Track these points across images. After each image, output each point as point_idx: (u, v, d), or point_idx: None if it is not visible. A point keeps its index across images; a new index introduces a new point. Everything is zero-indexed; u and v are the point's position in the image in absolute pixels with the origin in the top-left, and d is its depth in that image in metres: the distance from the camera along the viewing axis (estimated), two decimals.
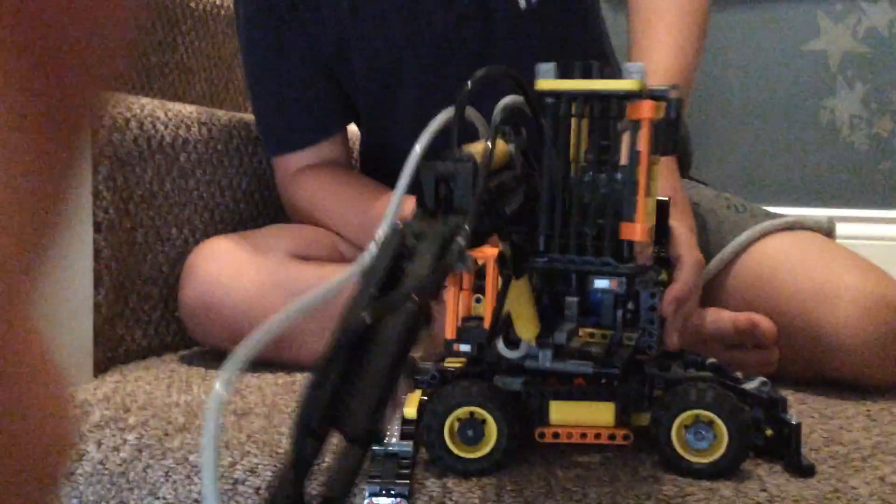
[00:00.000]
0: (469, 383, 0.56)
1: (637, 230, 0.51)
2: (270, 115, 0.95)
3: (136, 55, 1.09)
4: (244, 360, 0.29)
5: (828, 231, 0.87)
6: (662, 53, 0.80)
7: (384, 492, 0.49)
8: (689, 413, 0.54)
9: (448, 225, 0.34)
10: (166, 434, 0.61)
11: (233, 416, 0.65)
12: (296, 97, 0.92)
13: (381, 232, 0.34)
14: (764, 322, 0.77)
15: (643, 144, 0.51)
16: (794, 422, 0.57)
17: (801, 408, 0.72)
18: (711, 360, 0.60)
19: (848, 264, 0.78)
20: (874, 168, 1.77)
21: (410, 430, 0.54)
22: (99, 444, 0.61)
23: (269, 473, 0.57)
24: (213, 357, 0.83)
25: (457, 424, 0.55)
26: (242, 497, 0.55)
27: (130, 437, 0.61)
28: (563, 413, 0.57)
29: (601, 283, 0.56)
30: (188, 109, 0.93)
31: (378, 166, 0.97)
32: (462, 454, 0.55)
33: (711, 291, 0.82)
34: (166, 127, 0.88)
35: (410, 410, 0.55)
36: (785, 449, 0.57)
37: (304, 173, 0.93)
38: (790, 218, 0.87)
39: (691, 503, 0.53)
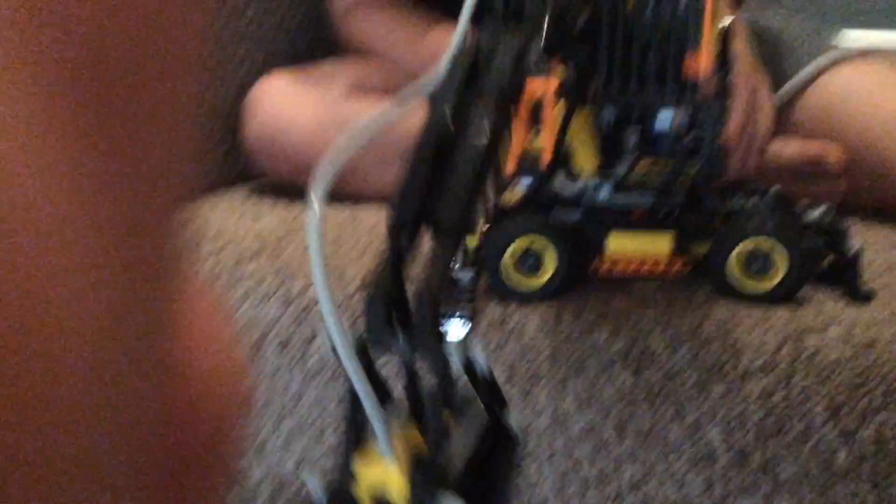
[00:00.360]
0: (528, 215, 0.57)
1: (702, 60, 0.50)
2: None
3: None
4: (336, 170, 0.30)
5: None
6: None
7: (449, 314, 0.51)
8: (748, 241, 0.55)
9: (522, 32, 0.34)
10: (240, 261, 0.64)
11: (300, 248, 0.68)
12: None
13: (455, 41, 0.33)
14: (833, 151, 0.75)
15: None
16: (855, 249, 0.56)
17: (865, 236, 0.71)
18: (776, 187, 0.60)
19: None
20: None
21: (472, 258, 0.56)
22: None
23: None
24: (278, 189, 0.85)
25: (516, 254, 0.57)
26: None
27: (206, 265, 0.64)
28: (620, 244, 0.58)
29: (665, 114, 0.55)
30: None
31: None
32: (521, 283, 0.57)
33: (779, 121, 0.80)
34: None
35: (472, 240, 0.57)
36: (845, 275, 0.57)
37: (355, 12, 0.91)
38: (864, 45, 0.82)
39: (746, 326, 0.54)
